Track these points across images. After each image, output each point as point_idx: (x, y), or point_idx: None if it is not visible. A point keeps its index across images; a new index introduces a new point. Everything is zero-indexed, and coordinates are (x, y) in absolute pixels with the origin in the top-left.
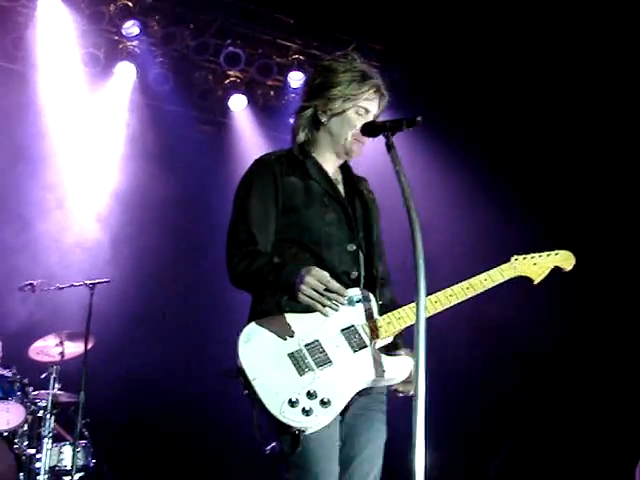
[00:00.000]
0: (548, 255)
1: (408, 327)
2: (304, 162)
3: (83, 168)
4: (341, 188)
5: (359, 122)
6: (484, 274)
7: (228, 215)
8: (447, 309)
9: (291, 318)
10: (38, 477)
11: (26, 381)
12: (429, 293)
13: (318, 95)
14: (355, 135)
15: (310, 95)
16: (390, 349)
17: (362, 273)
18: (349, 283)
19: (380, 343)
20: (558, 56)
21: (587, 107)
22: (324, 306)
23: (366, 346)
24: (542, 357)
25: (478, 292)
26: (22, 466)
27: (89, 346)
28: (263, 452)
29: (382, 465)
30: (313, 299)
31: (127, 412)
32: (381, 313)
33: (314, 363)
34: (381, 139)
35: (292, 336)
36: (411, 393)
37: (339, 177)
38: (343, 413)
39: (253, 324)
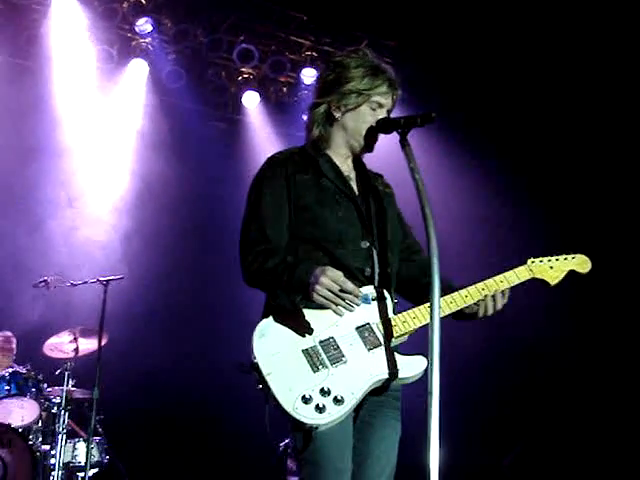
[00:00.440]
0: (565, 259)
1: (423, 326)
2: (317, 159)
3: (96, 165)
4: (354, 185)
5: (373, 117)
6: (500, 275)
7: (241, 212)
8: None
9: (306, 314)
10: (52, 473)
11: (40, 377)
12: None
13: (331, 91)
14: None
15: (323, 91)
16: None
17: (376, 270)
18: (363, 280)
19: (395, 341)
20: (576, 54)
21: (609, 105)
22: (338, 306)
23: (380, 345)
24: (553, 355)
25: (493, 293)
26: (37, 462)
27: (103, 343)
28: (274, 447)
29: (396, 462)
30: (328, 299)
31: (141, 408)
32: (419, 300)
33: (328, 360)
34: (395, 136)
35: (307, 332)
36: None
37: (352, 174)
38: (357, 410)
39: (268, 320)
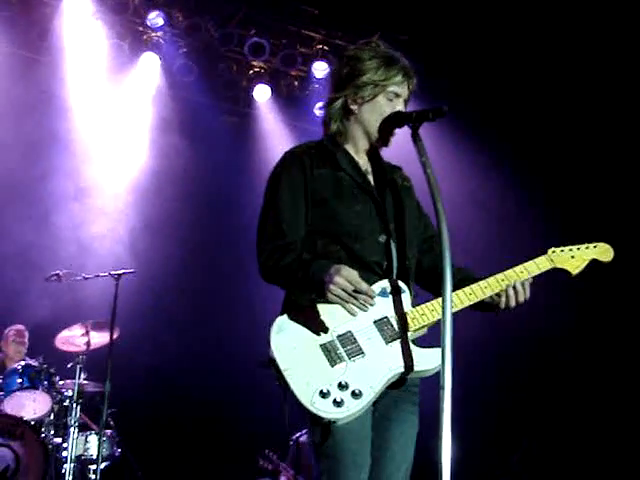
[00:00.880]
0: (587, 248)
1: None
2: (335, 153)
3: (107, 159)
4: (372, 178)
5: (390, 107)
6: (520, 266)
7: (252, 206)
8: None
9: (323, 309)
10: (64, 466)
11: (52, 371)
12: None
13: (347, 85)
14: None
15: (338, 86)
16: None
17: (395, 264)
18: (381, 274)
19: (414, 335)
20: (586, 50)
21: (622, 99)
22: (352, 306)
23: (398, 338)
24: (562, 349)
25: (513, 284)
26: (49, 455)
27: (114, 336)
28: (288, 442)
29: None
30: (342, 299)
31: (152, 402)
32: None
33: (346, 354)
34: (407, 130)
35: (324, 327)
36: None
37: (370, 167)
38: (375, 404)
39: (285, 315)
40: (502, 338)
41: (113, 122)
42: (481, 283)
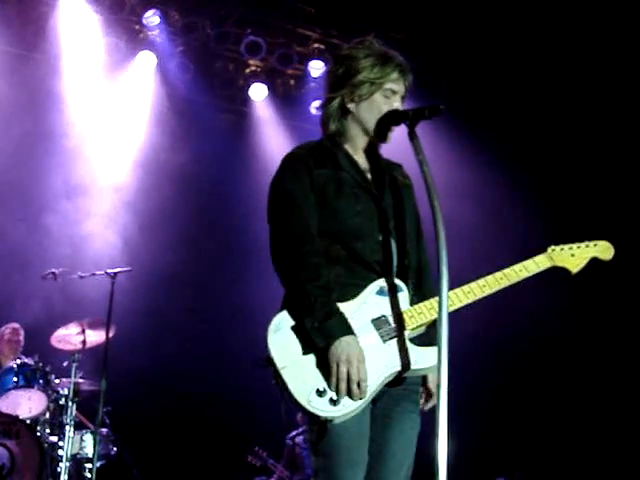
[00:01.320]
0: (587, 246)
1: None
2: (335, 153)
3: (102, 156)
4: (372, 177)
5: (387, 105)
6: (519, 265)
7: (248, 204)
8: (479, 300)
9: None
10: (60, 464)
11: (48, 369)
12: (455, 286)
13: (343, 85)
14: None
15: (335, 86)
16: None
17: (394, 262)
18: (381, 272)
19: (412, 333)
20: (580, 50)
21: (619, 99)
22: (340, 390)
23: (396, 336)
24: (560, 352)
25: (512, 283)
26: (44, 453)
27: (110, 335)
28: (285, 439)
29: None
30: (338, 379)
31: (148, 400)
32: (418, 301)
33: None
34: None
35: None
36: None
37: (370, 166)
38: (375, 402)
39: (283, 313)
40: (495, 331)
41: (109, 120)
42: (480, 282)
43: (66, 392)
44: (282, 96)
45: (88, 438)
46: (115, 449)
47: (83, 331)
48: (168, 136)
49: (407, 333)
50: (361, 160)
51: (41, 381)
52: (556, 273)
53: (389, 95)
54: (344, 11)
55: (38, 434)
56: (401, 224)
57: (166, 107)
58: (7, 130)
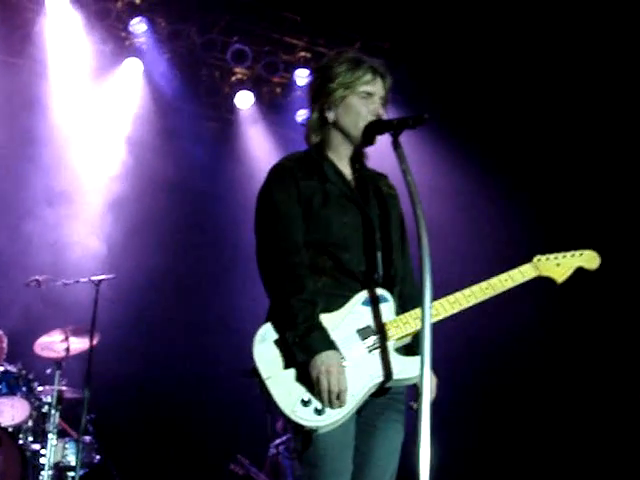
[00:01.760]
0: (572, 255)
1: None
2: (321, 164)
3: (87, 163)
4: (358, 187)
5: (365, 106)
6: (504, 274)
7: (233, 212)
8: (465, 310)
9: None
10: (42, 472)
11: (31, 377)
12: (440, 295)
13: (320, 95)
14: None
15: (314, 98)
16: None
17: (380, 273)
18: (367, 283)
19: (398, 343)
20: (567, 54)
21: (602, 105)
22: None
23: (381, 346)
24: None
25: (498, 292)
26: (27, 461)
27: (94, 342)
28: (267, 448)
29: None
30: (321, 388)
31: (132, 408)
32: (404, 311)
33: None
34: (388, 138)
35: None
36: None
37: (356, 176)
38: (360, 412)
39: (269, 324)
40: (479, 340)
41: (93, 127)
42: (465, 291)
43: (49, 400)
44: (268, 104)
45: (71, 446)
46: (98, 457)
47: (67, 338)
48: (153, 143)
49: (392, 343)
50: (347, 171)
51: (24, 388)
52: (541, 280)
53: (365, 97)
54: (330, 20)
55: (20, 442)
56: (387, 234)
57: (152, 114)
58: None
